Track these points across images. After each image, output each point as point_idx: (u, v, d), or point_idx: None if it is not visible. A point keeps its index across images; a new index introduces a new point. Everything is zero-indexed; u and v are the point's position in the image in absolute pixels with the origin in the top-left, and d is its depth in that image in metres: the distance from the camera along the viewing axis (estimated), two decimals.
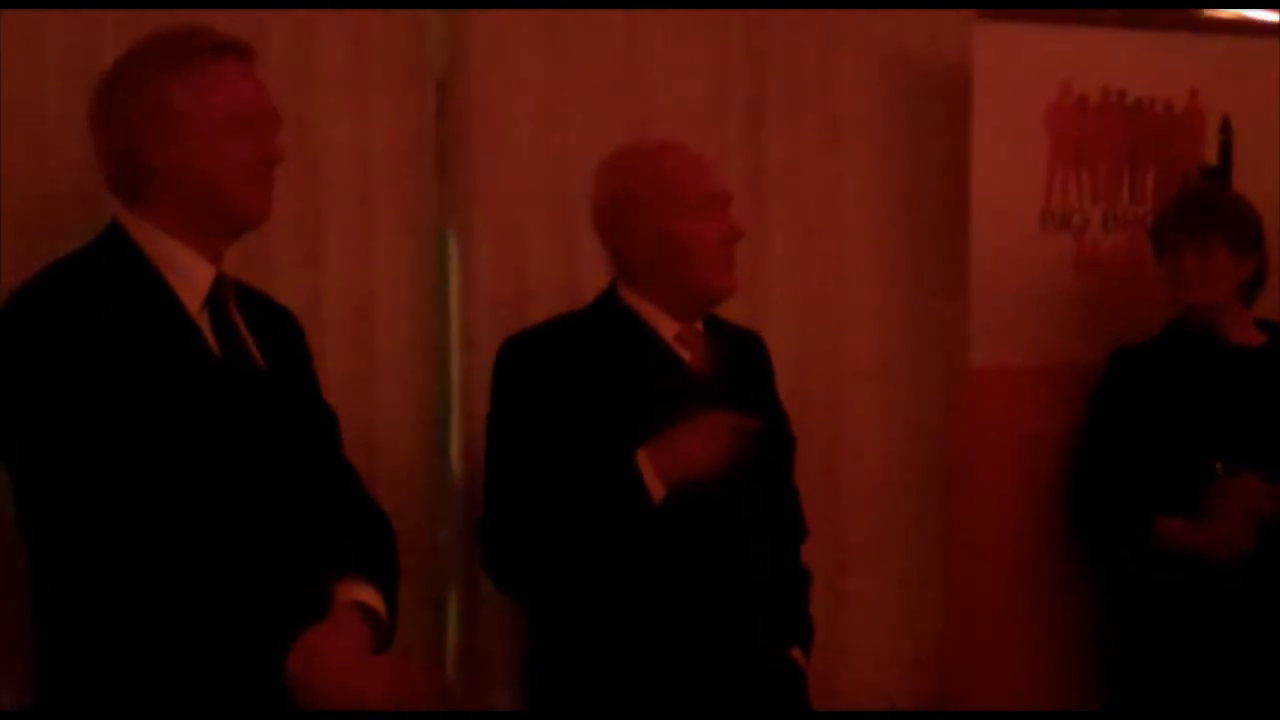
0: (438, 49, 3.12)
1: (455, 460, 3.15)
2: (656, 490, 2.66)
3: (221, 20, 2.55)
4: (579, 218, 3.12)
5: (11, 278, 2.41)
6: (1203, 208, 3.69)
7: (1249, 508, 3.48)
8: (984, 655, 3.83)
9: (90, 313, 2.22)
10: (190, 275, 2.35)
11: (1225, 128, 4.12)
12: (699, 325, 2.92)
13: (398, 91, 3.05)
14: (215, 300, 2.38)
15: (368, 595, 2.39)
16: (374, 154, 3.02)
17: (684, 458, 2.68)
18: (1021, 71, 3.80)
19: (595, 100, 3.26)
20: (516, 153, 3.18)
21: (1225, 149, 4.12)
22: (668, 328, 2.86)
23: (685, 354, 2.87)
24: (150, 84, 2.31)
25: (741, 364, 3.00)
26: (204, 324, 2.35)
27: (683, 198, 2.83)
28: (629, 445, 2.68)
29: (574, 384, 2.76)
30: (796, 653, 2.94)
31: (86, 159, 2.44)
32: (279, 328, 2.54)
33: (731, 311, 3.23)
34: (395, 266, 3.05)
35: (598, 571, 2.71)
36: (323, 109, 2.95)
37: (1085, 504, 3.78)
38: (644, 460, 2.67)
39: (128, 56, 2.37)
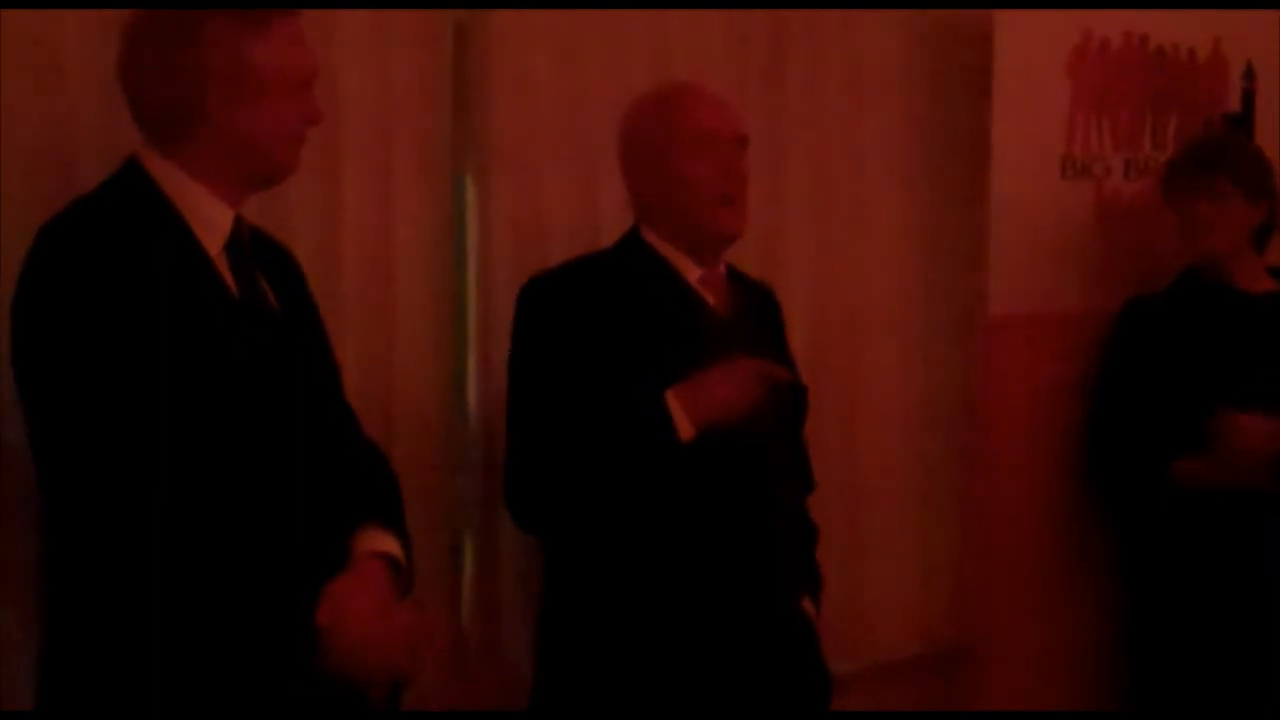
0: None
1: (472, 407, 3.14)
2: (685, 430, 2.66)
3: None
4: (597, 162, 3.12)
5: (20, 216, 2.40)
6: (1213, 154, 3.68)
7: (1254, 444, 3.47)
8: (1003, 601, 3.84)
9: (116, 255, 2.19)
10: (211, 218, 2.33)
11: (1248, 75, 4.09)
12: (721, 270, 2.91)
13: (416, 35, 3.02)
14: (234, 243, 2.36)
15: (387, 543, 2.39)
16: (392, 98, 2.99)
17: (714, 400, 2.67)
18: (1043, 16, 3.76)
19: (614, 45, 3.24)
20: (534, 97, 3.15)
21: (1248, 96, 4.10)
22: (691, 270, 2.85)
23: (709, 297, 2.86)
24: (227, 38, 2.27)
25: (759, 313, 2.99)
26: (223, 267, 2.33)
27: (681, 137, 2.82)
28: (654, 385, 2.68)
29: (599, 322, 2.75)
30: (808, 603, 2.95)
31: (103, 99, 2.42)
32: (284, 267, 2.52)
33: (750, 259, 3.21)
34: (413, 211, 3.02)
35: (623, 508, 2.70)
36: (341, 53, 2.92)
37: (1100, 451, 3.79)
38: (673, 400, 2.66)
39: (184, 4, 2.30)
